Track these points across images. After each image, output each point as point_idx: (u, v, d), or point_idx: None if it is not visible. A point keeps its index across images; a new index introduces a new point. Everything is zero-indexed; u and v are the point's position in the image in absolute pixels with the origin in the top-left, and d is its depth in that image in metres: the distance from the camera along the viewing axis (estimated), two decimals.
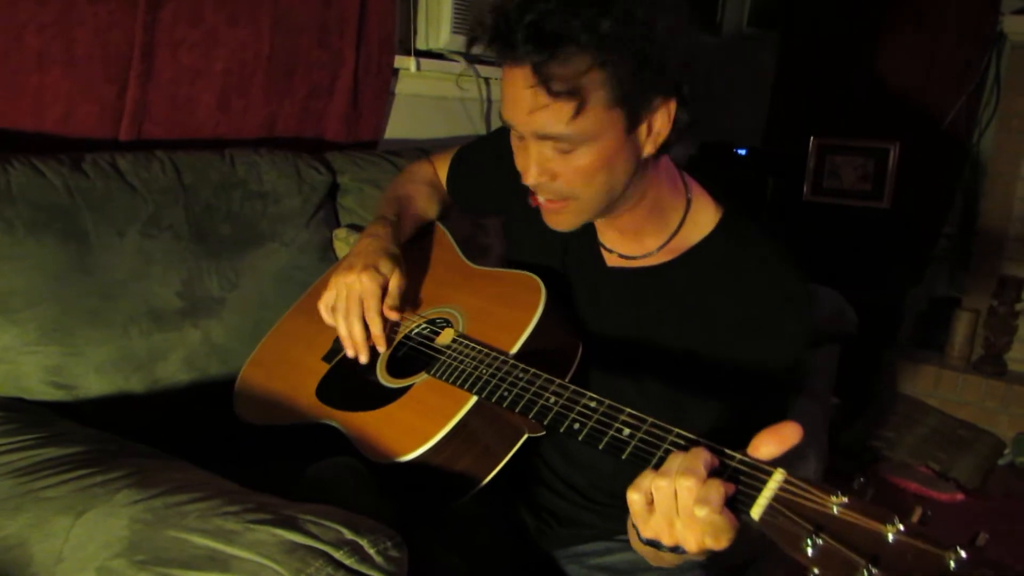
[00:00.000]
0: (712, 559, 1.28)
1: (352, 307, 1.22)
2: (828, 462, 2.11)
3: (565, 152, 1.01)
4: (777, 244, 1.12)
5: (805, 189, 3.31)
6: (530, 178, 1.05)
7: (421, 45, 2.22)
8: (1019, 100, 3.27)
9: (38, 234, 1.36)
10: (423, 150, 2.04)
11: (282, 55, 1.86)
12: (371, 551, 0.92)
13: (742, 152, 3.29)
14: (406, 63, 2.18)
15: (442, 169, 1.51)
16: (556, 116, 0.98)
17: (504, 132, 1.38)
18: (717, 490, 0.75)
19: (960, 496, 2.83)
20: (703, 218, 1.15)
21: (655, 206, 1.14)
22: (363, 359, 1.23)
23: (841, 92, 3.57)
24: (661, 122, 1.03)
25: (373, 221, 1.36)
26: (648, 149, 1.05)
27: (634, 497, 0.81)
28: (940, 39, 3.36)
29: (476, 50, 1.05)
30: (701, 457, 0.78)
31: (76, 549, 0.97)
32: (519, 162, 1.08)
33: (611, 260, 1.20)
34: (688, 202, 1.16)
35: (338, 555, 0.90)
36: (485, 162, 1.41)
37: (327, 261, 1.74)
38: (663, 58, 0.97)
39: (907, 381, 3.45)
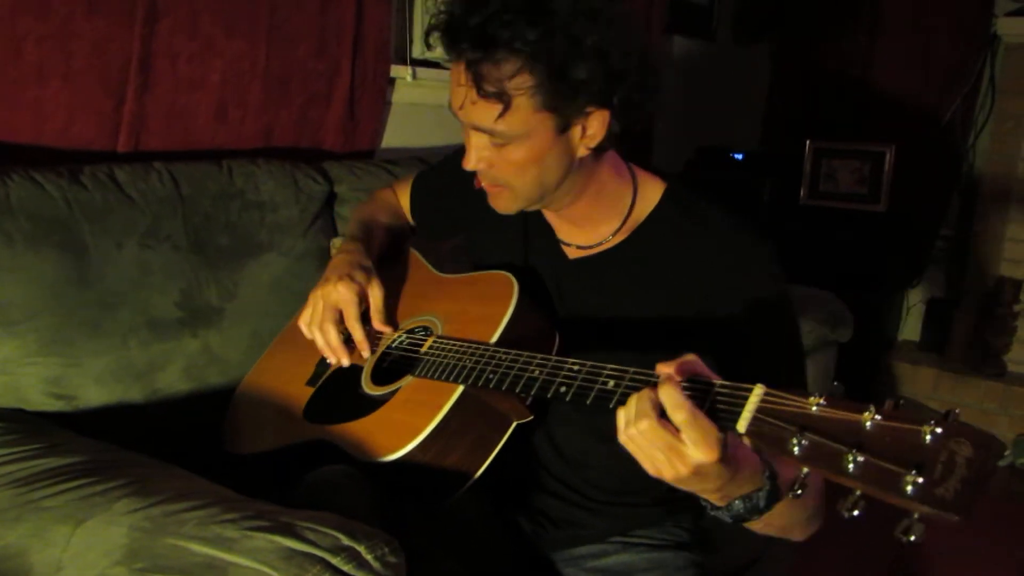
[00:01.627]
0: (711, 563, 1.30)
1: (327, 315, 1.26)
2: None
3: (499, 145, 1.08)
4: (721, 205, 1.18)
5: (802, 192, 3.32)
6: (469, 164, 1.12)
7: (417, 54, 2.24)
8: (1014, 101, 3.28)
9: (37, 246, 1.37)
10: (420, 159, 2.05)
11: (278, 65, 1.87)
12: (368, 557, 0.93)
13: (739, 156, 3.31)
14: (402, 72, 2.20)
15: (404, 196, 1.56)
16: (485, 113, 1.05)
17: (459, 153, 1.43)
18: (677, 400, 0.80)
19: None
20: (650, 195, 1.21)
21: (599, 196, 1.19)
22: (344, 362, 1.26)
23: (837, 95, 3.58)
24: (595, 127, 1.08)
25: (344, 241, 1.41)
26: (582, 151, 1.11)
27: (622, 439, 0.86)
28: (934, 42, 3.37)
29: (433, 46, 1.13)
30: (646, 396, 0.83)
31: (75, 558, 0.98)
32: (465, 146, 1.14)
33: (572, 253, 1.25)
34: (635, 185, 1.22)
35: (335, 561, 0.91)
36: (442, 185, 1.46)
37: (325, 270, 1.75)
38: (591, 71, 1.02)
39: (907, 383, 3.46)
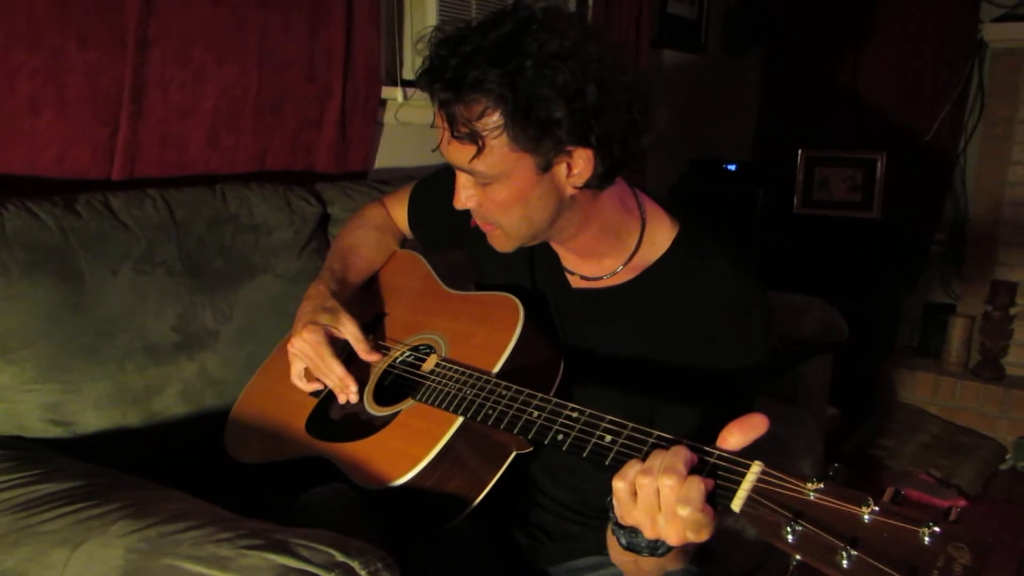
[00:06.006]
0: (710, 572, 1.30)
1: (319, 362, 1.27)
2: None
3: (483, 184, 1.09)
4: (732, 255, 1.17)
5: (795, 201, 3.34)
6: (458, 203, 1.14)
7: (408, 75, 2.26)
8: (1002, 106, 3.31)
9: (33, 275, 1.39)
10: (412, 178, 2.06)
11: (270, 90, 1.90)
12: (362, 572, 0.94)
13: (731, 167, 3.32)
14: (393, 93, 2.22)
15: (396, 210, 1.55)
16: (461, 154, 1.06)
17: None
18: (698, 488, 0.78)
19: (962, 503, 2.83)
20: (660, 236, 1.19)
21: (605, 230, 1.17)
22: (354, 400, 1.26)
23: (827, 104, 3.61)
24: (581, 165, 1.07)
25: (314, 281, 1.40)
26: (569, 190, 1.09)
27: (619, 486, 0.84)
28: (922, 49, 3.41)
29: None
30: (682, 455, 0.81)
31: None
32: None
33: (575, 282, 1.24)
34: (643, 222, 1.20)
35: None
36: (443, 196, 1.44)
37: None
38: (562, 110, 1.00)
39: (905, 389, 3.46)
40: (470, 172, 1.08)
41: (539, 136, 1.02)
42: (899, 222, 3.29)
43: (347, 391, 1.26)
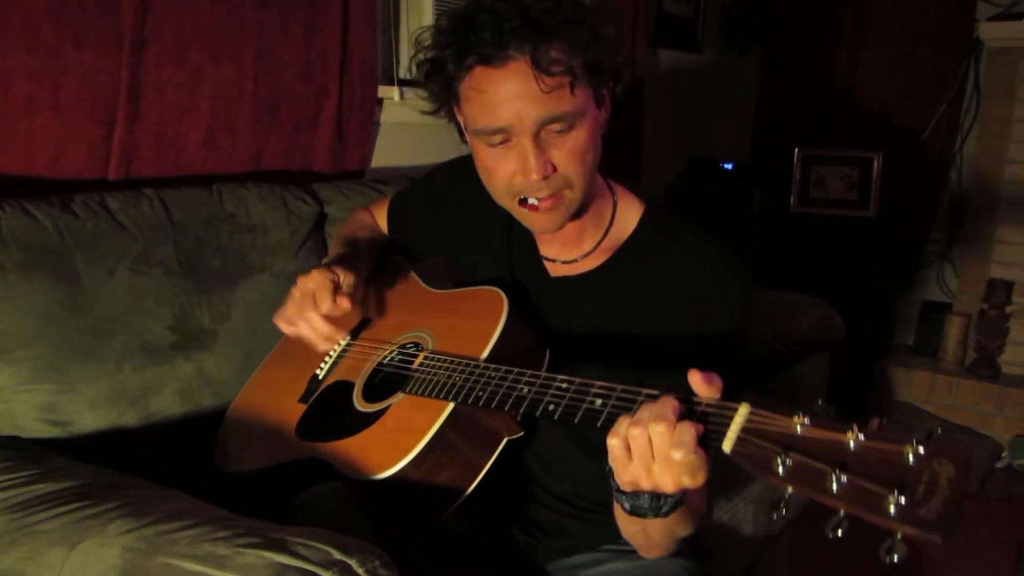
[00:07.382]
0: (706, 569, 1.31)
1: (304, 302, 1.25)
2: None
3: (563, 133, 1.09)
4: (700, 226, 1.21)
5: (792, 200, 3.35)
6: (534, 173, 1.09)
7: (404, 74, 2.26)
8: (999, 105, 3.31)
9: (29, 275, 1.39)
10: (409, 177, 2.07)
11: (267, 91, 1.90)
12: (360, 570, 0.94)
13: (728, 166, 3.33)
14: (390, 92, 2.22)
15: (380, 216, 1.58)
16: (560, 95, 1.06)
17: (434, 174, 1.46)
18: (689, 431, 0.81)
19: None
20: (629, 215, 1.25)
21: (595, 206, 1.23)
22: (326, 347, 1.27)
23: (824, 103, 3.61)
24: (606, 97, 1.15)
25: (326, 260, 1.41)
26: (604, 127, 1.16)
27: (613, 442, 0.86)
28: (919, 48, 3.41)
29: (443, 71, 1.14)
30: (670, 404, 0.84)
31: None
32: (506, 168, 1.12)
33: (554, 270, 1.27)
34: (614, 201, 1.26)
35: (327, 575, 0.92)
36: (419, 206, 1.49)
37: None
38: (609, 33, 1.10)
39: (902, 388, 3.47)
40: (562, 117, 1.07)
41: (603, 64, 1.10)
42: (896, 221, 3.29)
43: (318, 333, 1.24)
